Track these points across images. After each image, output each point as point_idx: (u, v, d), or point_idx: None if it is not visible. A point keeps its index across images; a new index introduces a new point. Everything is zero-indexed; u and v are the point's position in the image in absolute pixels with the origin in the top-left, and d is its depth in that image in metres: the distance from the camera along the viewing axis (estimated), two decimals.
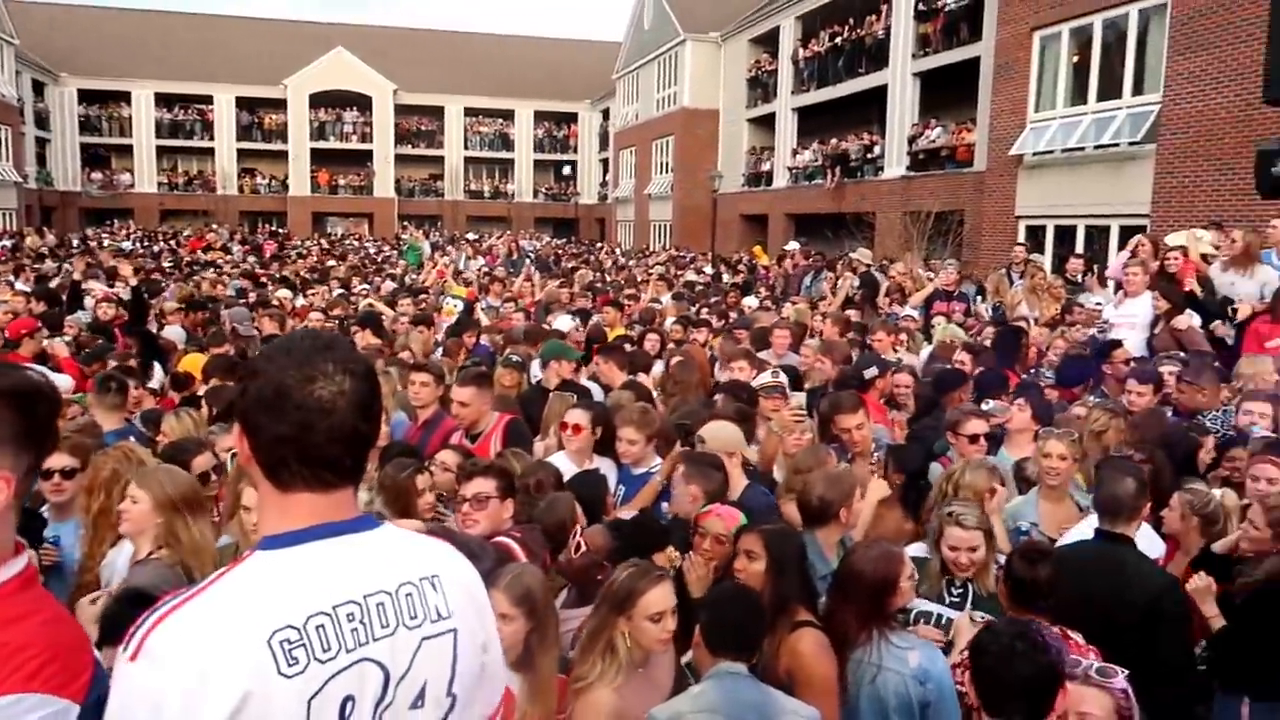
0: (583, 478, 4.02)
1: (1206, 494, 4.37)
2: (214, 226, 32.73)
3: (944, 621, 3.53)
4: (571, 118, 49.52)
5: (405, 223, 42.51)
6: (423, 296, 12.39)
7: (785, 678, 3.01)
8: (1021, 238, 16.65)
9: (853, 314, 10.36)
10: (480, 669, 1.64)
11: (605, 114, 45.85)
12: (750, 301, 12.93)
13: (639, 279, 16.11)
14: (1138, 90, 14.72)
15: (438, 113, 47.61)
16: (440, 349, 8.63)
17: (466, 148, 48.29)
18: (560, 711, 2.94)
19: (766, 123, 30.18)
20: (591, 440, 4.55)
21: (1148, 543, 3.84)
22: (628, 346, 8.06)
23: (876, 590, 3.11)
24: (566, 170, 49.40)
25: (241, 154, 45.56)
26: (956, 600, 3.62)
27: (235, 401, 1.50)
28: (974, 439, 4.85)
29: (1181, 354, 6.75)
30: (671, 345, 8.62)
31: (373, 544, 1.52)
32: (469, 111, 48.01)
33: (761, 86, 30.59)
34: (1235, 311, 7.38)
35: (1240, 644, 3.56)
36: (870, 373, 6.41)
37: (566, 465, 4.40)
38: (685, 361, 6.98)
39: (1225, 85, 12.41)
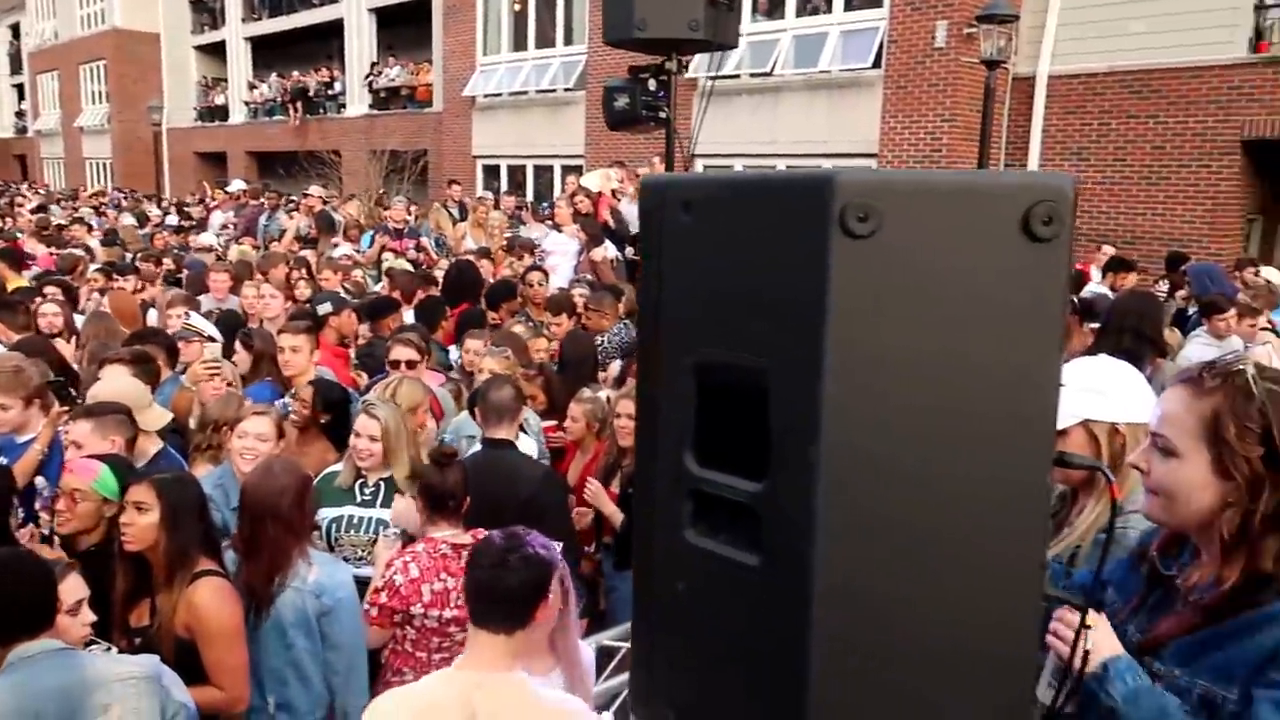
0: None
1: (601, 401, 5.04)
2: None
3: (355, 520, 3.68)
4: None
5: None
6: None
7: (187, 634, 2.90)
8: (480, 176, 17.52)
9: (309, 253, 10.11)
10: None
11: (15, 30, 38.60)
12: (205, 240, 12.04)
13: (60, 224, 14.06)
14: (569, 41, 16.14)
15: None
16: None
17: None
18: None
19: (217, 51, 27.75)
20: None
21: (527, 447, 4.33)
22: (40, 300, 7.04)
23: (282, 507, 3.06)
24: None
25: None
26: (368, 499, 3.75)
27: None
28: (395, 365, 5.05)
29: (590, 279, 7.69)
30: (95, 296, 7.77)
31: None
32: None
33: (208, 11, 28.04)
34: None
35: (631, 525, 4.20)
36: (325, 309, 6.29)
37: None
38: (98, 312, 6.31)
39: None
